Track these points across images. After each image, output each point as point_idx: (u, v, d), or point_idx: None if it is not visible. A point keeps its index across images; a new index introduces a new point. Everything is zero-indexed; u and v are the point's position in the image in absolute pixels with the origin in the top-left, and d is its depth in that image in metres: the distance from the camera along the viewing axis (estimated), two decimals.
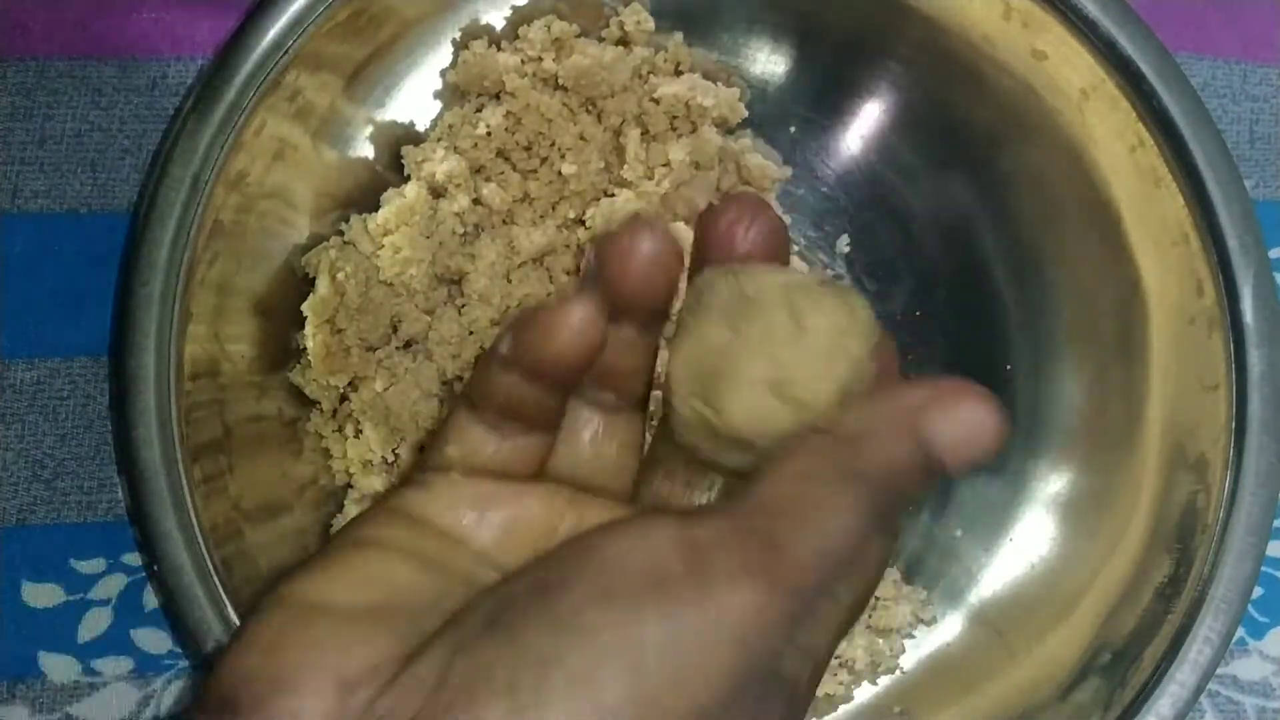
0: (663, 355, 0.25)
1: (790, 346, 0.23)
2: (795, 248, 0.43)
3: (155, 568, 0.35)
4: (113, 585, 0.38)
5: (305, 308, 0.39)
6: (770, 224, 0.25)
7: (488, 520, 0.24)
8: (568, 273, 0.41)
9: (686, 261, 0.26)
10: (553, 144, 0.41)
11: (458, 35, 0.41)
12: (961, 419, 0.22)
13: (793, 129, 0.44)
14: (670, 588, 0.20)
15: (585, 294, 0.23)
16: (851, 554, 0.21)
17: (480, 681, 0.19)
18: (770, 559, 0.20)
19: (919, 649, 0.41)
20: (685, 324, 0.24)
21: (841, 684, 0.40)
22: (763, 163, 0.42)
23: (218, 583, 0.34)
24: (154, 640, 0.38)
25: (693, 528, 0.21)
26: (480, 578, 0.23)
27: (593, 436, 0.27)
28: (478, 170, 0.41)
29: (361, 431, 0.39)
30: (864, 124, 0.43)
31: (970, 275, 0.43)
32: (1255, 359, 0.37)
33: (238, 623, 0.34)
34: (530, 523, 0.25)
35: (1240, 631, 0.40)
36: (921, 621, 0.41)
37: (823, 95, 0.43)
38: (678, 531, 0.21)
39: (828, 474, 0.21)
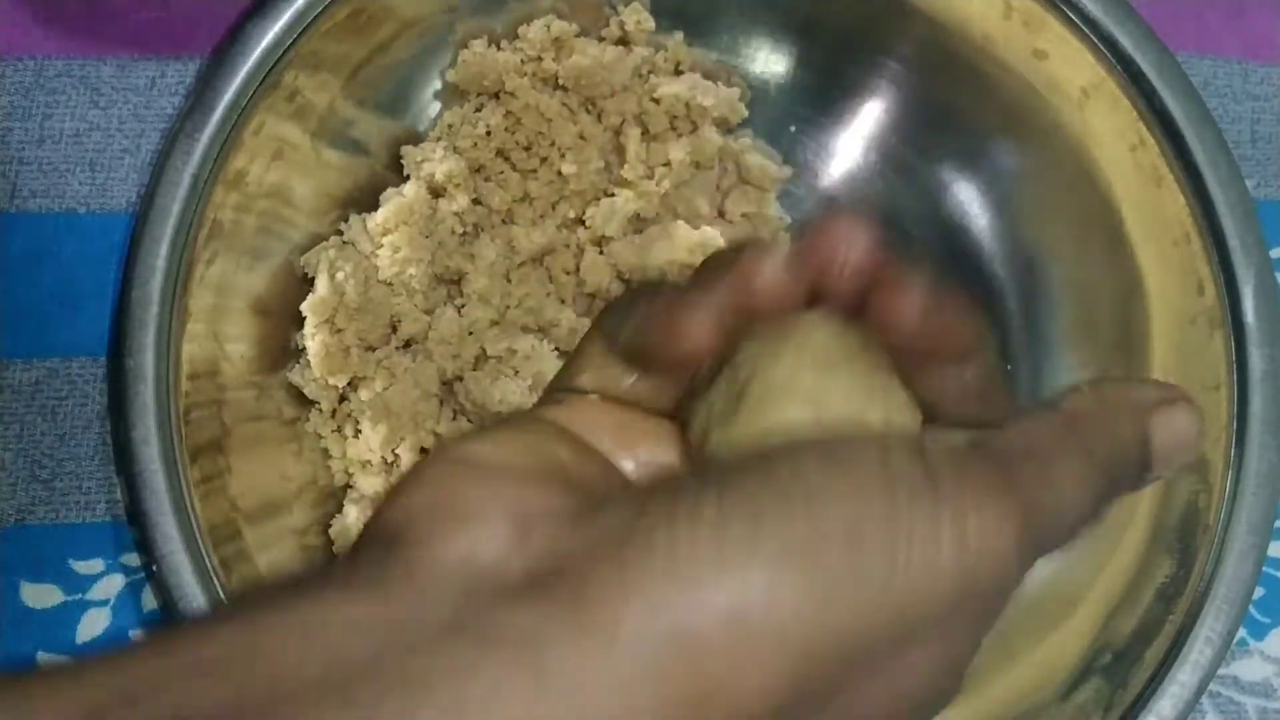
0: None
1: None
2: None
3: (154, 568, 0.34)
4: (111, 586, 0.38)
5: (304, 308, 0.39)
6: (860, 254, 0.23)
7: (626, 450, 0.23)
8: (567, 272, 0.41)
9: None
10: (553, 144, 0.41)
11: (457, 35, 0.41)
12: (1181, 424, 0.23)
13: (793, 129, 0.43)
14: (901, 482, 0.19)
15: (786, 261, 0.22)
16: (1074, 523, 0.21)
17: (682, 519, 0.18)
18: (1011, 494, 0.20)
19: None
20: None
21: None
22: (763, 163, 0.42)
23: (217, 583, 0.34)
24: None
25: (930, 449, 0.20)
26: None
27: None
28: (477, 170, 0.40)
29: (361, 431, 0.39)
30: (864, 124, 0.43)
31: (970, 275, 0.43)
32: (1256, 359, 0.37)
33: None
34: (669, 463, 0.24)
35: (1241, 632, 0.40)
36: None
37: (823, 95, 0.43)
38: (916, 446, 0.20)
39: (1063, 444, 0.21)
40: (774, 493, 0.19)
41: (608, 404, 0.24)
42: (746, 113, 0.43)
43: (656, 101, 0.41)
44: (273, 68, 0.37)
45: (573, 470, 0.22)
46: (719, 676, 0.18)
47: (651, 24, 0.42)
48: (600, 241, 0.40)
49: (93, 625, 0.37)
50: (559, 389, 0.25)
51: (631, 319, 0.24)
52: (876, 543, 0.18)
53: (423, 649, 0.17)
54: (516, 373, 0.38)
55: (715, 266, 0.23)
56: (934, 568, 0.19)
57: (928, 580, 0.19)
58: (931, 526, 0.19)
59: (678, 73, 0.42)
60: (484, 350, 0.39)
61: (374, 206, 0.40)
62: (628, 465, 0.23)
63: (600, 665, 0.17)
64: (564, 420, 0.23)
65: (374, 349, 0.39)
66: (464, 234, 0.40)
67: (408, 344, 0.40)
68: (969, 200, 0.43)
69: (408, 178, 0.40)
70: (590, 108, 0.41)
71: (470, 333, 0.39)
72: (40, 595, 0.37)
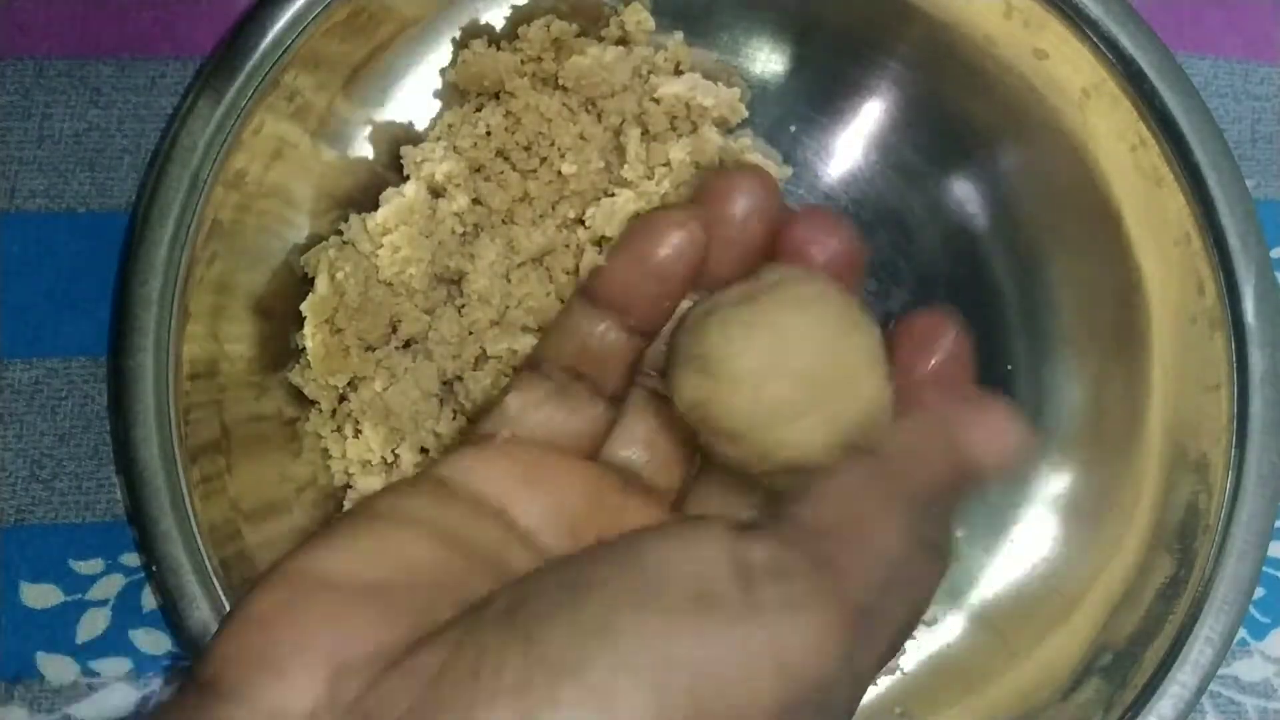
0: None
1: (828, 372, 0.23)
2: None
3: (154, 568, 0.34)
4: (111, 586, 0.38)
5: (304, 307, 0.39)
6: (847, 244, 0.25)
7: (533, 492, 0.23)
8: (567, 273, 0.41)
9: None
10: (553, 144, 0.41)
11: (457, 35, 0.41)
12: (991, 429, 0.23)
13: (793, 129, 0.43)
14: (715, 606, 0.18)
15: (693, 209, 0.23)
16: (902, 573, 0.21)
17: (486, 678, 0.18)
18: (826, 584, 0.19)
19: (919, 649, 0.41)
20: (714, 347, 0.23)
21: None
22: (763, 162, 0.42)
23: (216, 583, 0.34)
24: (152, 641, 0.38)
25: (743, 545, 0.19)
26: (510, 558, 0.22)
27: (650, 426, 0.26)
28: (477, 170, 0.40)
29: (361, 431, 0.39)
30: (864, 123, 0.43)
31: (970, 275, 0.43)
32: (1257, 359, 0.37)
33: None
34: (575, 504, 0.24)
35: (1242, 632, 0.40)
36: (922, 622, 0.41)
37: (823, 95, 0.43)
38: (728, 547, 0.19)
39: (873, 494, 0.21)
40: (579, 637, 0.18)
41: (519, 446, 0.24)
42: (746, 113, 0.43)
43: (656, 101, 0.41)
44: (273, 67, 0.37)
45: (422, 573, 0.21)
46: None
47: (651, 24, 0.42)
48: (600, 241, 0.40)
49: (93, 625, 0.37)
50: (475, 431, 0.25)
51: (594, 277, 0.24)
52: (688, 677, 0.18)
53: None
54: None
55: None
56: (753, 691, 0.18)
57: (746, 704, 0.18)
58: (746, 650, 0.18)
59: (678, 73, 0.42)
60: (484, 350, 0.39)
61: (374, 206, 0.40)
62: (531, 511, 0.23)
63: None
64: (466, 471, 0.23)
65: (374, 349, 0.39)
66: (464, 234, 0.40)
67: (408, 344, 0.40)
68: (969, 200, 0.43)
69: (408, 178, 0.40)
70: (590, 108, 0.41)
71: (470, 333, 0.39)
72: (40, 595, 0.37)
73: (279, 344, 0.39)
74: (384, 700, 0.18)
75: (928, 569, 0.21)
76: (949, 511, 0.22)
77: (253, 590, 0.21)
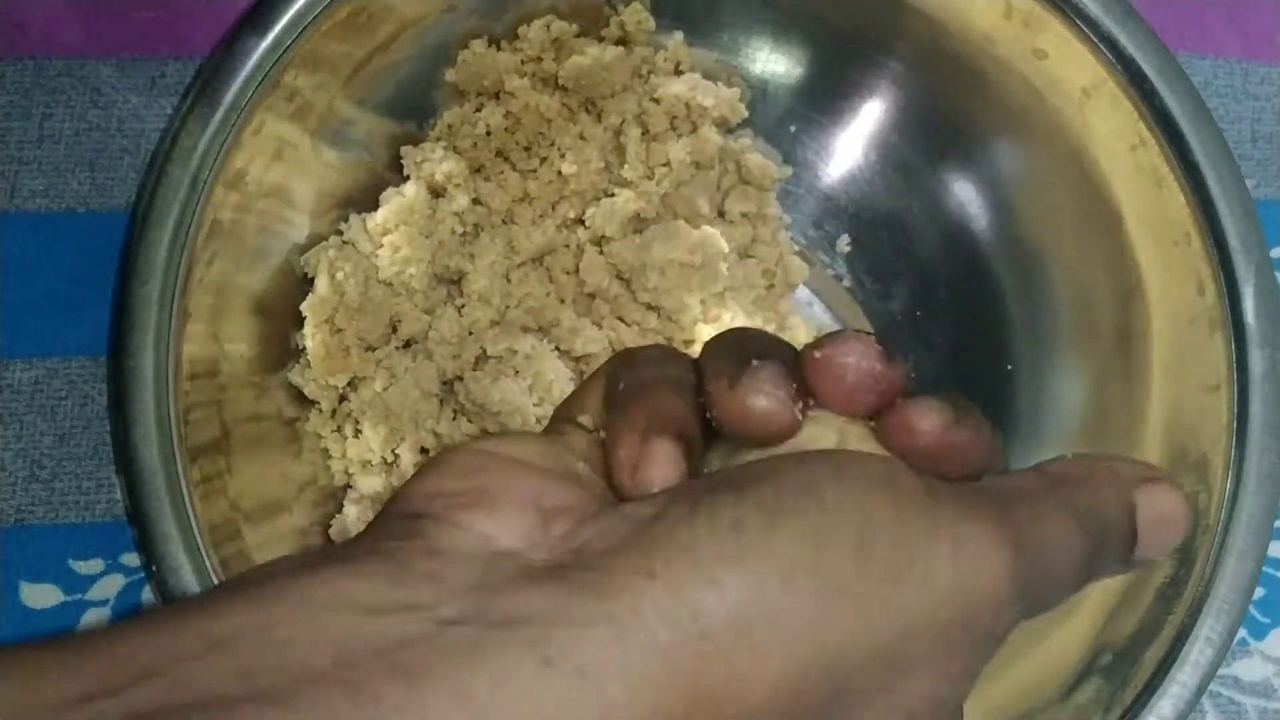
0: None
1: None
2: (795, 248, 0.43)
3: (154, 568, 0.34)
4: (111, 586, 0.38)
5: (304, 307, 0.39)
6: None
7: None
8: (567, 272, 0.41)
9: None
10: (552, 144, 0.41)
11: (457, 34, 0.41)
12: (1167, 502, 0.23)
13: (793, 128, 0.44)
14: (905, 492, 0.20)
15: (784, 397, 0.22)
16: (1060, 578, 0.21)
17: (702, 518, 0.19)
18: (1006, 525, 0.20)
19: None
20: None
21: None
22: (763, 162, 0.42)
23: (216, 583, 0.34)
24: None
25: (928, 479, 0.20)
26: None
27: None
28: (477, 170, 0.40)
29: (361, 431, 0.39)
30: (864, 123, 0.43)
31: (970, 275, 0.43)
32: (1257, 359, 0.37)
33: None
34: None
35: (1242, 632, 0.40)
36: None
37: (823, 95, 0.43)
38: (914, 472, 0.20)
39: (1050, 498, 0.22)
40: (788, 499, 0.19)
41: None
42: (746, 113, 0.43)
43: (656, 101, 0.41)
44: (273, 67, 0.36)
45: (585, 478, 0.22)
46: (724, 674, 0.18)
47: (651, 24, 0.42)
48: (600, 241, 0.40)
49: (92, 625, 0.37)
50: (562, 419, 0.25)
51: (620, 391, 0.23)
52: (882, 553, 0.19)
53: (433, 635, 0.17)
54: (516, 373, 0.38)
55: (717, 369, 0.22)
56: (932, 585, 0.19)
57: (925, 597, 0.19)
58: (931, 542, 0.19)
59: (678, 73, 0.42)
60: (484, 350, 0.39)
61: (374, 206, 0.40)
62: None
63: (611, 651, 0.17)
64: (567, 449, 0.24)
65: (374, 349, 0.39)
66: (464, 234, 0.40)
67: (408, 344, 0.40)
68: (969, 200, 0.43)
69: (408, 178, 0.40)
70: (590, 108, 0.41)
71: (470, 333, 0.39)
72: (40, 595, 0.37)
73: (279, 344, 0.39)
74: (597, 535, 0.19)
75: (1069, 583, 0.22)
76: (1100, 561, 0.22)
77: (445, 452, 0.21)
